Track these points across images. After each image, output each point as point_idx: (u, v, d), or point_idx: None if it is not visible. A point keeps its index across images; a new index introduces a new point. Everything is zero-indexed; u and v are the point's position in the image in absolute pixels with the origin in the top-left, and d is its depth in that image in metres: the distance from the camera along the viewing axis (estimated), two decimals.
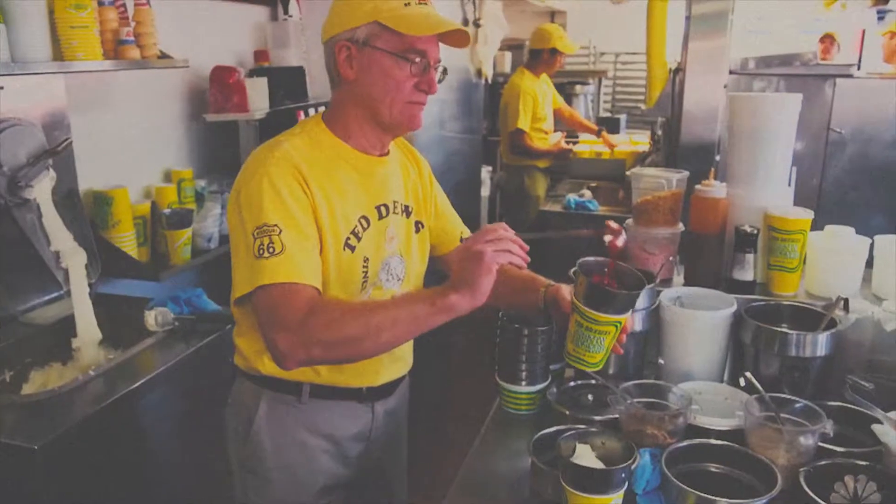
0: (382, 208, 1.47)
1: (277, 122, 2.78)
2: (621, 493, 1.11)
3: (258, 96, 2.73)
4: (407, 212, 1.54)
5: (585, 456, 1.16)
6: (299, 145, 1.37)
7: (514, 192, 4.52)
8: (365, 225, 1.42)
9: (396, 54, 1.34)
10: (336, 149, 1.41)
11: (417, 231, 1.57)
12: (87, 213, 2.25)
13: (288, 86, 2.96)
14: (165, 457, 1.92)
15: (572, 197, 3.85)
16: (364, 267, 1.43)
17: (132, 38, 2.17)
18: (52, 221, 2.02)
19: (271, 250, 1.25)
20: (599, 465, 1.15)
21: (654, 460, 1.30)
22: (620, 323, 1.31)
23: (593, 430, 1.25)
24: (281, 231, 1.26)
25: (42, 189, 1.99)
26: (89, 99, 2.34)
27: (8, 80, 1.94)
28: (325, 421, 1.51)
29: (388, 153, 1.51)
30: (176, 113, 2.70)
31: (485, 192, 5.57)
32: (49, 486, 1.52)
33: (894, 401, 1.45)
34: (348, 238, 1.39)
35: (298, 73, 2.99)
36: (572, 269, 1.37)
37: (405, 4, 1.34)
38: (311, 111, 2.86)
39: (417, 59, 1.36)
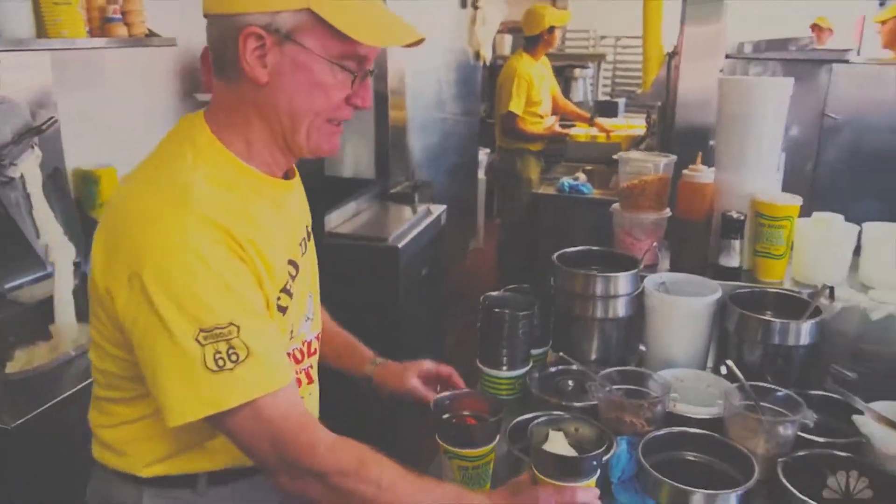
0: (302, 244, 1.20)
1: None
2: (593, 480, 1.11)
3: None
4: (310, 235, 1.27)
5: (558, 442, 1.15)
6: (208, 190, 0.99)
7: (506, 175, 4.51)
8: (293, 273, 1.13)
9: (331, 60, 1.01)
10: (245, 178, 1.06)
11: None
12: (74, 192, 2.24)
13: None
14: None
15: (566, 180, 3.84)
16: (292, 324, 1.16)
17: (119, 15, 2.15)
18: (43, 213, 2.00)
19: (234, 358, 0.94)
20: (571, 452, 1.14)
21: (630, 448, 1.30)
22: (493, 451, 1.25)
23: (567, 416, 1.24)
24: (239, 330, 0.95)
25: (30, 173, 1.97)
26: (76, 77, 2.32)
27: None
28: None
29: (294, 175, 1.20)
30: (167, 92, 2.68)
31: (482, 174, 5.57)
32: (23, 466, 1.52)
33: (877, 391, 1.44)
34: (279, 298, 1.09)
35: None
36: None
37: None
38: None
39: (354, 67, 1.04)
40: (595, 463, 1.10)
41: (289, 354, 1.15)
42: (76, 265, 2.04)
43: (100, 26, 2.11)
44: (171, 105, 2.70)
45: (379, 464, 1.04)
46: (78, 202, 2.23)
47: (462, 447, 1.21)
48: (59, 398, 1.61)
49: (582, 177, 3.98)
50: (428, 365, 1.46)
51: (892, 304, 1.56)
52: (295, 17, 0.98)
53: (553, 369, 1.60)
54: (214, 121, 1.07)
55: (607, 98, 6.74)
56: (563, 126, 4.70)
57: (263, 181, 1.08)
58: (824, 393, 1.47)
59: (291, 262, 1.13)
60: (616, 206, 1.91)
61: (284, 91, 1.02)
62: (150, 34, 2.26)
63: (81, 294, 2.03)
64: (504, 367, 1.58)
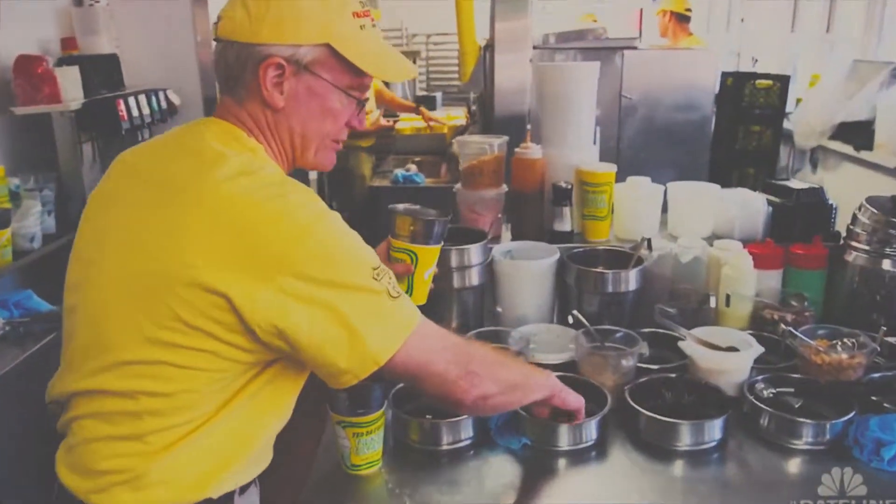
0: None
1: (95, 113, 2.67)
2: (438, 247, 1.35)
3: (71, 86, 2.61)
4: None
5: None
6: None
7: (339, 173, 4.57)
8: None
9: (342, 89, 1.12)
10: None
11: None
12: None
13: (102, 74, 2.84)
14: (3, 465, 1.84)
15: (399, 171, 3.99)
16: None
17: None
18: None
19: (397, 290, 1.06)
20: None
21: None
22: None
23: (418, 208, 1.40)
24: (383, 266, 1.07)
25: None
26: None
27: None
28: None
29: None
30: None
31: (313, 174, 5.57)
32: None
33: (694, 320, 1.69)
34: None
35: (112, 60, 2.88)
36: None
37: (360, 27, 1.11)
38: (131, 100, 2.76)
39: (358, 95, 1.16)
40: (438, 229, 1.32)
41: None
42: None
43: None
44: None
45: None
46: None
47: (353, 415, 1.30)
48: None
49: (413, 167, 4.15)
50: None
51: (696, 247, 1.83)
52: (314, 50, 1.07)
53: None
54: (247, 134, 1.13)
55: (424, 93, 6.97)
56: (387, 118, 4.83)
57: None
58: (653, 329, 1.70)
59: None
60: (458, 186, 2.07)
61: (298, 115, 1.11)
62: None
63: None
64: None
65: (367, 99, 1.20)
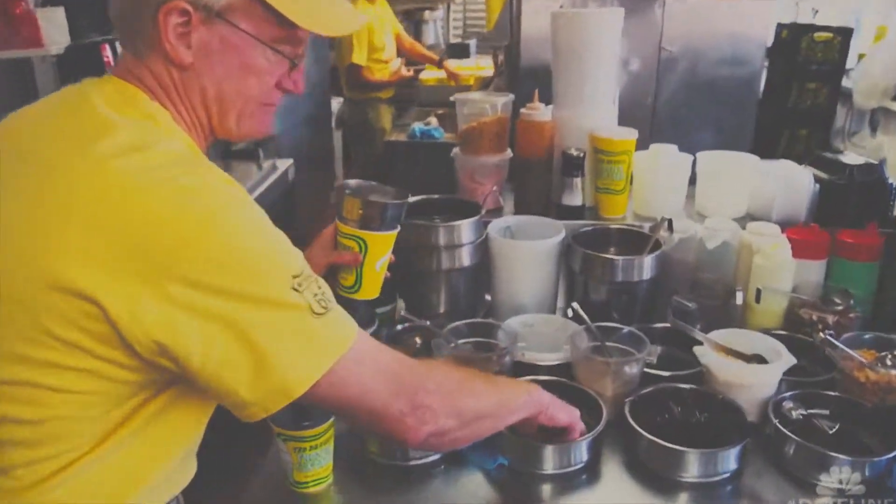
0: None
1: (81, 59, 2.49)
2: (394, 233, 1.17)
3: (55, 29, 2.42)
4: None
5: None
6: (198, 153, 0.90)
7: (358, 127, 4.35)
8: None
9: (267, 44, 0.91)
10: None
11: None
12: None
13: (91, 14, 2.64)
14: None
15: (417, 126, 3.74)
16: None
17: None
18: None
19: (324, 304, 0.84)
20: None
21: None
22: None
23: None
24: (309, 271, 0.86)
25: None
26: None
27: None
28: None
29: None
30: None
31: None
32: None
33: (715, 318, 1.47)
34: None
35: (103, 0, 2.67)
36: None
37: None
38: (119, 45, 2.56)
39: (290, 52, 0.95)
40: (392, 212, 1.14)
41: None
42: None
43: None
44: None
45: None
46: None
47: (296, 427, 1.12)
48: None
49: (434, 121, 3.89)
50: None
51: (726, 230, 1.58)
52: None
53: (400, 327, 1.52)
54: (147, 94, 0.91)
55: (459, 40, 6.65)
56: (410, 68, 4.57)
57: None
58: (667, 325, 1.47)
59: None
60: (457, 150, 1.83)
61: (212, 74, 0.90)
62: None
63: None
64: None
65: (302, 56, 0.97)
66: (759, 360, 1.33)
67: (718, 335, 1.37)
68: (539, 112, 1.73)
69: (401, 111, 4.41)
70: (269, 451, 1.22)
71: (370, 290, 1.19)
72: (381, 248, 1.16)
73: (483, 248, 1.61)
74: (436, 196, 1.69)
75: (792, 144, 3.99)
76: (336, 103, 5.34)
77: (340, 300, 0.91)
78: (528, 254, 1.57)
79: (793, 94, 4.00)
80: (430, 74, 4.63)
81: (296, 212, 3.41)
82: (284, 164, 3.28)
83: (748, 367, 1.30)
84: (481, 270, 1.63)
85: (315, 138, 4.67)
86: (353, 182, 1.19)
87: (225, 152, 3.30)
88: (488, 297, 1.61)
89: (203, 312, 0.77)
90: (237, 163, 3.26)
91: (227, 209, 0.80)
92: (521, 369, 1.36)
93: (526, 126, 1.75)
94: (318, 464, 1.15)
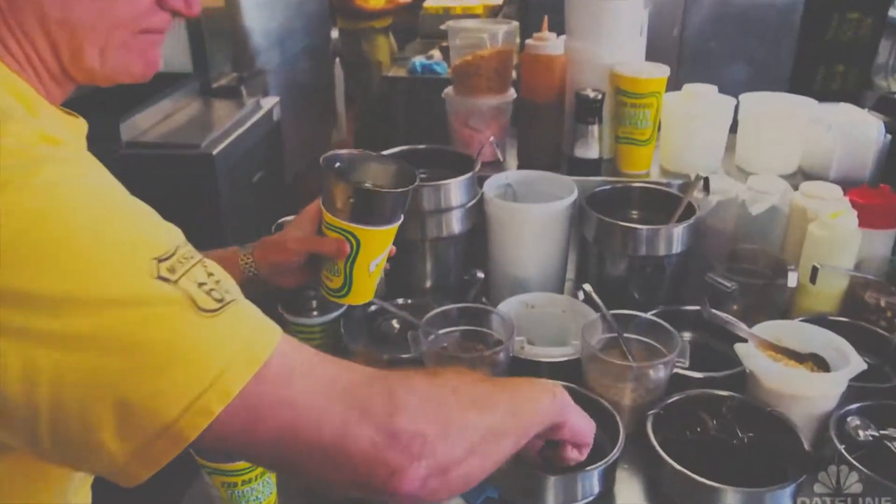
0: None
1: None
2: (394, 227, 0.94)
3: None
4: None
5: None
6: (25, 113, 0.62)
7: (353, 60, 4.02)
8: None
9: None
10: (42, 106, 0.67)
11: None
12: None
13: None
14: None
15: (418, 60, 3.41)
16: None
17: None
18: None
19: (218, 297, 0.58)
20: None
21: None
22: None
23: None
24: (191, 251, 0.60)
25: None
26: None
27: None
28: None
29: None
30: None
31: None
32: None
33: (758, 301, 1.20)
34: None
35: None
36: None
37: None
38: None
39: None
40: (392, 203, 0.90)
41: None
42: None
43: None
44: None
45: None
46: None
47: (223, 460, 0.87)
48: None
49: (437, 54, 3.55)
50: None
51: (774, 192, 1.30)
52: None
53: (374, 308, 1.26)
54: None
55: None
56: None
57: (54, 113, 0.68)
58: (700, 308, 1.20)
59: None
60: (449, 90, 1.54)
61: None
62: None
63: None
64: (314, 313, 1.22)
65: None
66: (818, 360, 1.07)
67: (765, 328, 1.10)
68: (549, 44, 1.43)
69: (403, 43, 4.06)
70: (196, 482, 0.98)
71: (361, 294, 0.96)
72: (377, 246, 0.92)
73: (477, 212, 1.33)
74: (421, 146, 1.40)
75: (827, 82, 3.68)
76: (335, 33, 4.99)
77: None
78: (531, 219, 1.30)
79: (833, 24, 3.69)
80: (433, 1, 4.25)
81: (282, 157, 3.12)
82: (269, 102, 2.98)
83: (807, 376, 1.03)
84: (475, 240, 1.36)
85: (314, 71, 4.34)
86: (341, 154, 0.92)
87: (203, 90, 2.99)
88: (480, 274, 1.34)
89: (21, 333, 0.51)
90: (218, 102, 2.96)
91: (56, 191, 0.52)
92: (519, 367, 1.11)
93: (532, 61, 1.44)
94: (254, 499, 0.91)
